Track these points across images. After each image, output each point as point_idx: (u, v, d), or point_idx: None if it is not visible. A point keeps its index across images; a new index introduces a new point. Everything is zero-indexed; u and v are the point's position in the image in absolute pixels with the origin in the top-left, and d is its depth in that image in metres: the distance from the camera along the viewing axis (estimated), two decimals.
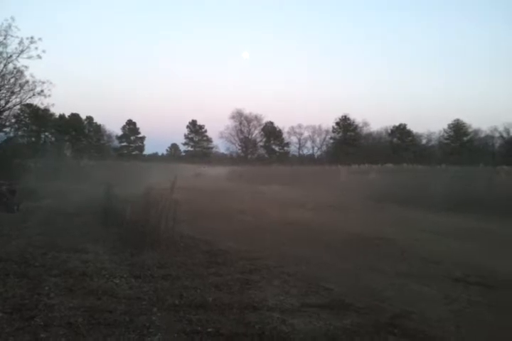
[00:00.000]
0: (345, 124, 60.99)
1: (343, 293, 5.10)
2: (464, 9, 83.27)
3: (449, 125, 56.34)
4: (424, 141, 60.21)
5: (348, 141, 59.05)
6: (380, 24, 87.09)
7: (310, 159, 61.85)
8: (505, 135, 53.65)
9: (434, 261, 7.45)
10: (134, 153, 64.98)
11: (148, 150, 68.13)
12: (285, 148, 65.43)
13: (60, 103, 68.63)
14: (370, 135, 61.59)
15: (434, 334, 3.96)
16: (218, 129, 69.21)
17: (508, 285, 6.19)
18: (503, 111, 76.20)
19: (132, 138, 65.71)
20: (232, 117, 64.05)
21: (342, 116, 60.92)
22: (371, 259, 7.42)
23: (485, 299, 5.45)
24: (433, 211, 16.13)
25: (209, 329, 3.82)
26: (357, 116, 61.24)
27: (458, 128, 55.83)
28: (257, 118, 64.55)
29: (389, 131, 59.54)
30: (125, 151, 64.67)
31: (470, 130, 55.59)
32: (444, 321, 4.38)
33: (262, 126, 64.92)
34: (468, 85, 78.24)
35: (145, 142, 66.25)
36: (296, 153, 65.69)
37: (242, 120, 64.58)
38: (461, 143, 55.00)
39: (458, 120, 55.52)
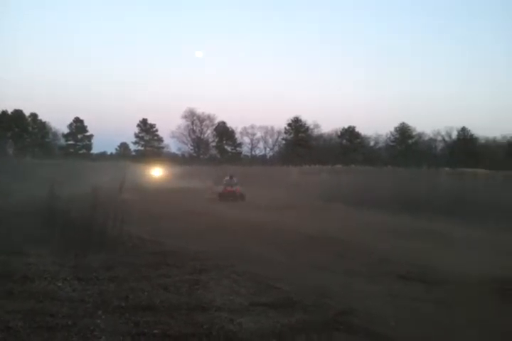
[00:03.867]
0: (296, 126, 61.87)
1: (292, 292, 5.17)
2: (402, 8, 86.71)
3: (395, 128, 58.47)
4: (372, 143, 62.22)
5: (300, 142, 59.94)
6: (333, 24, 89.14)
7: (262, 160, 62.31)
8: (446, 138, 56.44)
9: (380, 260, 7.69)
10: (81, 152, 62.76)
11: (96, 149, 66.06)
12: (237, 149, 65.50)
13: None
14: (321, 136, 62.90)
15: (376, 329, 4.09)
16: (170, 129, 68.05)
17: (448, 281, 6.49)
18: (445, 116, 79.93)
19: (79, 136, 63.45)
20: (184, 117, 63.36)
21: (294, 118, 61.77)
22: (320, 258, 7.57)
23: (426, 295, 5.69)
24: (380, 211, 16.64)
25: (155, 331, 3.75)
26: (308, 118, 62.36)
27: (403, 131, 58.02)
28: (209, 117, 64.20)
29: (339, 133, 61.05)
30: (71, 150, 62.32)
31: (414, 133, 57.94)
32: (387, 317, 4.54)
33: (214, 126, 64.65)
34: (414, 90, 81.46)
35: (93, 141, 64.17)
36: (249, 154, 65.98)
37: (195, 119, 64.01)
38: (406, 145, 57.17)
39: (403, 123, 57.72)
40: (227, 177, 23.11)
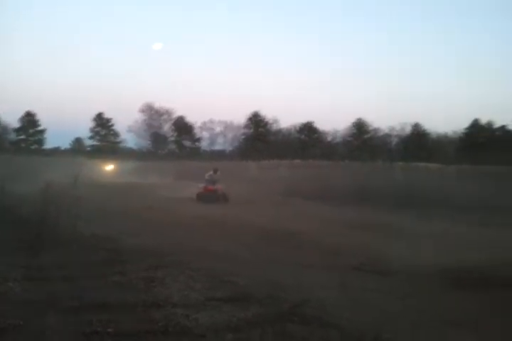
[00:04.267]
0: (256, 120, 62.02)
1: (247, 286, 5.23)
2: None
3: (352, 123, 59.71)
4: (330, 138, 63.29)
5: (259, 137, 60.15)
6: (284, 21, 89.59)
7: (221, 155, 62.08)
8: (400, 133, 58.22)
9: (335, 252, 7.90)
10: (32, 147, 60.37)
11: (50, 143, 63.65)
12: (196, 144, 64.92)
13: None
14: (279, 131, 63.32)
15: (330, 320, 4.21)
16: (127, 123, 66.44)
17: (401, 272, 6.76)
18: (400, 111, 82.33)
19: (31, 131, 60.98)
20: (142, 111, 62.03)
21: (253, 112, 61.87)
22: (277, 252, 7.68)
23: (378, 285, 5.91)
24: (337, 205, 17.02)
25: (109, 330, 3.70)
26: (268, 113, 62.59)
27: (360, 127, 59.36)
28: (168, 112, 63.21)
29: (297, 128, 61.69)
30: (23, 145, 59.87)
31: (371, 128, 59.39)
32: (340, 307, 4.68)
33: (173, 121, 63.70)
34: (370, 87, 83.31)
35: (46, 135, 61.79)
36: (208, 149, 65.53)
37: (153, 114, 62.84)
38: (362, 140, 58.54)
39: (360, 119, 59.00)
40: (211, 172, 19.06)
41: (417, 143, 51.95)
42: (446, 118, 79.00)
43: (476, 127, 48.34)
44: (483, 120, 48.11)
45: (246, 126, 62.72)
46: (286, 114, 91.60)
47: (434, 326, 4.49)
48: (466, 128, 49.08)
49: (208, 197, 17.98)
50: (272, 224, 10.93)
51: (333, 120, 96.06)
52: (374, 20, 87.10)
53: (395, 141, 58.82)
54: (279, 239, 9.08)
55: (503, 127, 46.54)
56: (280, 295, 4.93)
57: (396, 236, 10.48)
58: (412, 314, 4.82)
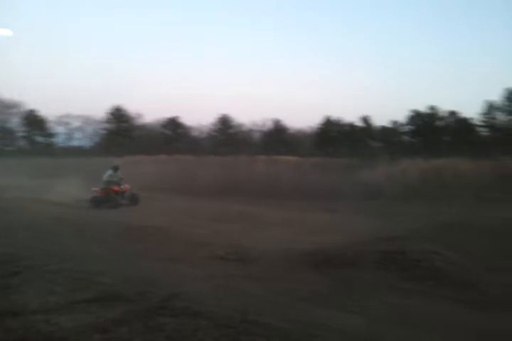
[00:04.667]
0: (118, 115, 59.36)
1: (114, 284, 5.12)
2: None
3: (217, 119, 60.72)
4: (195, 133, 63.54)
5: (122, 131, 57.74)
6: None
7: (80, 151, 58.17)
8: (263, 128, 60.93)
9: (201, 244, 8.11)
10: None
11: None
12: (50, 139, 59.79)
13: None
14: (144, 126, 61.60)
15: (199, 309, 4.36)
16: None
17: (262, 258, 7.25)
18: (264, 107, 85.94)
19: None
20: None
21: (115, 107, 59.11)
22: (143, 248, 7.61)
23: (243, 272, 6.26)
24: (202, 198, 17.33)
25: None
26: (130, 107, 60.33)
27: (224, 122, 60.67)
28: (17, 105, 57.07)
29: (162, 122, 60.68)
30: None
31: (234, 124, 61.06)
32: (207, 296, 4.88)
33: (22, 115, 57.71)
34: (236, 83, 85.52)
35: None
36: (64, 145, 60.79)
37: None
38: (227, 135, 59.95)
39: (224, 114, 60.32)
40: (109, 171, 16.37)
41: (277, 137, 54.95)
42: (303, 115, 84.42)
43: (328, 123, 52.82)
44: (334, 117, 52.72)
45: (107, 121, 59.73)
46: (150, 109, 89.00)
47: (291, 303, 4.95)
48: (320, 124, 53.33)
49: (109, 200, 15.29)
50: (137, 221, 10.75)
51: (199, 115, 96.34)
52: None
53: (257, 135, 61.39)
54: (145, 235, 8.97)
55: (350, 123, 51.60)
56: (148, 290, 4.93)
57: (258, 225, 11.15)
58: (273, 295, 5.23)
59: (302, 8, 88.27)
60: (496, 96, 46.87)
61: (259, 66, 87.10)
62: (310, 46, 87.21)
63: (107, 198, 15.50)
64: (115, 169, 16.59)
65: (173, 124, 60.54)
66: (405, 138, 49.02)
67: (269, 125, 59.08)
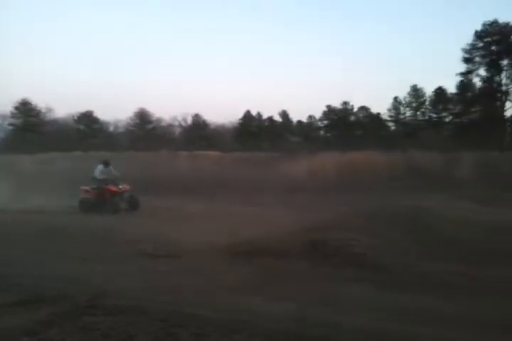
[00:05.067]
0: (25, 109, 55.44)
1: (40, 286, 4.93)
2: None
3: (134, 113, 58.93)
4: (112, 128, 61.23)
5: (30, 127, 54.05)
6: None
7: None
8: (183, 123, 60.25)
9: (130, 241, 7.98)
10: None
11: None
12: None
13: None
14: (55, 121, 58.15)
15: (126, 303, 4.33)
16: None
17: (189, 253, 7.30)
18: (183, 102, 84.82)
19: None
20: None
21: (22, 100, 55.08)
22: (68, 247, 7.34)
23: (171, 267, 6.28)
24: None
25: None
26: (40, 101, 56.56)
27: (142, 117, 59.07)
28: None
29: (75, 117, 57.71)
30: None
31: (153, 118, 59.71)
32: (136, 290, 4.87)
33: None
34: (153, 77, 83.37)
35: None
36: None
37: None
38: (145, 130, 58.46)
39: (142, 109, 58.70)
40: (100, 166, 13.87)
41: (198, 132, 54.67)
42: (223, 110, 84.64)
43: (248, 118, 53.50)
44: (254, 112, 53.51)
45: (13, 116, 55.56)
46: (61, 103, 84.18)
47: (221, 294, 5.07)
48: (241, 119, 53.85)
49: (102, 203, 13.00)
50: (53, 221, 10.30)
51: (115, 110, 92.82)
52: None
53: (178, 130, 60.60)
54: (67, 234, 8.63)
55: (270, 118, 52.70)
56: (76, 289, 4.80)
57: (183, 220, 11.14)
58: (202, 286, 5.33)
59: (218, 7, 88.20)
60: (403, 92, 50.21)
61: (180, 61, 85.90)
62: (230, 42, 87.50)
63: (101, 200, 13.32)
64: (106, 164, 14.05)
65: (87, 119, 57.84)
66: (322, 132, 51.11)
67: (189, 120, 58.63)
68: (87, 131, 57.05)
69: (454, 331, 3.82)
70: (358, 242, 7.14)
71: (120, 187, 13.73)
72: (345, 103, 49.64)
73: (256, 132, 51.21)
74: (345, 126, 48.02)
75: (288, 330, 3.78)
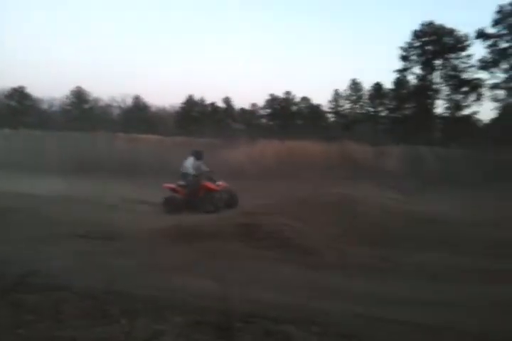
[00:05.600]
0: None
1: None
2: None
3: (71, 91, 56.29)
4: (46, 106, 58.19)
5: None
6: None
7: None
8: (122, 105, 58.38)
9: (60, 223, 7.86)
10: None
11: None
12: None
13: None
14: None
15: (61, 284, 4.36)
16: None
17: (124, 235, 7.36)
18: (121, 82, 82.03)
19: None
20: None
21: None
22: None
23: (105, 248, 6.32)
24: (54, 176, 16.29)
25: None
26: None
27: (79, 96, 56.58)
28: None
29: (6, 93, 54.24)
30: None
31: (91, 98, 57.36)
32: (68, 271, 4.89)
33: None
34: (96, 56, 79.79)
35: None
36: None
37: None
38: (82, 110, 56.11)
39: (79, 87, 56.18)
40: (190, 159, 12.18)
41: (138, 114, 53.31)
42: (164, 92, 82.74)
43: (190, 102, 52.80)
44: (197, 96, 52.85)
45: None
46: None
47: (155, 274, 5.21)
48: (183, 103, 53.04)
49: (195, 202, 11.53)
50: None
51: (50, 86, 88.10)
52: None
53: (116, 111, 58.72)
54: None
55: (212, 104, 52.36)
56: (6, 270, 4.73)
57: (117, 204, 11.06)
58: (136, 267, 5.43)
59: None
60: (342, 85, 51.62)
61: (122, 41, 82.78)
62: (172, 23, 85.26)
63: (193, 199, 11.81)
64: (198, 155, 12.31)
65: (19, 95, 54.59)
66: (263, 120, 51.62)
67: (128, 101, 56.94)
68: (17, 107, 53.88)
69: (363, 306, 4.21)
70: (289, 227, 7.52)
71: (218, 183, 12.16)
72: (287, 93, 50.36)
73: (198, 117, 50.76)
74: (287, 115, 48.80)
75: (215, 306, 4.00)
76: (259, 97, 64.25)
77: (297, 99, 50.54)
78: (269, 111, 51.15)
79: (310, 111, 49.36)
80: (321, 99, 75.04)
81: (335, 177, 16.94)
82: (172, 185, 12.22)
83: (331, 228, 7.90)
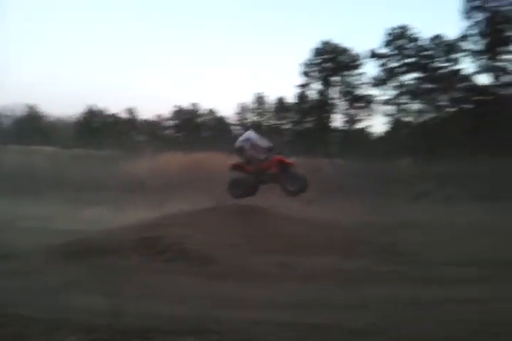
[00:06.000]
0: None
1: None
2: None
3: None
4: None
5: None
6: None
7: None
8: (13, 114, 53.99)
9: None
10: None
11: None
12: None
13: None
14: None
15: None
16: None
17: (19, 254, 6.92)
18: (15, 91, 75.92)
19: None
20: None
21: None
22: None
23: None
24: None
25: None
26: None
27: None
28: None
29: None
30: None
31: None
32: None
33: None
34: None
35: None
36: None
37: None
38: None
39: None
40: (250, 132, 9.95)
41: (32, 125, 49.81)
42: (63, 102, 78.06)
43: (90, 113, 50.48)
44: (99, 107, 50.66)
45: None
46: None
47: (47, 294, 4.91)
48: (82, 114, 50.55)
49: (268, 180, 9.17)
50: None
51: None
52: None
53: (6, 122, 54.25)
54: None
55: (114, 115, 50.59)
56: None
57: (16, 220, 10.35)
58: (28, 288, 5.10)
59: None
60: (248, 99, 52.92)
61: (19, 47, 76.98)
62: (78, 31, 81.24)
63: (265, 176, 9.33)
64: (256, 127, 8.94)
65: None
66: (169, 132, 50.99)
67: (21, 111, 52.95)
68: None
69: (258, 312, 4.35)
70: (190, 238, 7.50)
71: (288, 160, 9.49)
72: (193, 105, 50.35)
73: (99, 128, 48.69)
74: (193, 127, 48.72)
75: (109, 324, 3.87)
76: (166, 109, 63.09)
77: (204, 111, 50.74)
78: (174, 122, 50.68)
79: (216, 123, 49.76)
80: (228, 111, 76.11)
81: None
82: (237, 162, 9.95)
83: (233, 238, 8.00)
